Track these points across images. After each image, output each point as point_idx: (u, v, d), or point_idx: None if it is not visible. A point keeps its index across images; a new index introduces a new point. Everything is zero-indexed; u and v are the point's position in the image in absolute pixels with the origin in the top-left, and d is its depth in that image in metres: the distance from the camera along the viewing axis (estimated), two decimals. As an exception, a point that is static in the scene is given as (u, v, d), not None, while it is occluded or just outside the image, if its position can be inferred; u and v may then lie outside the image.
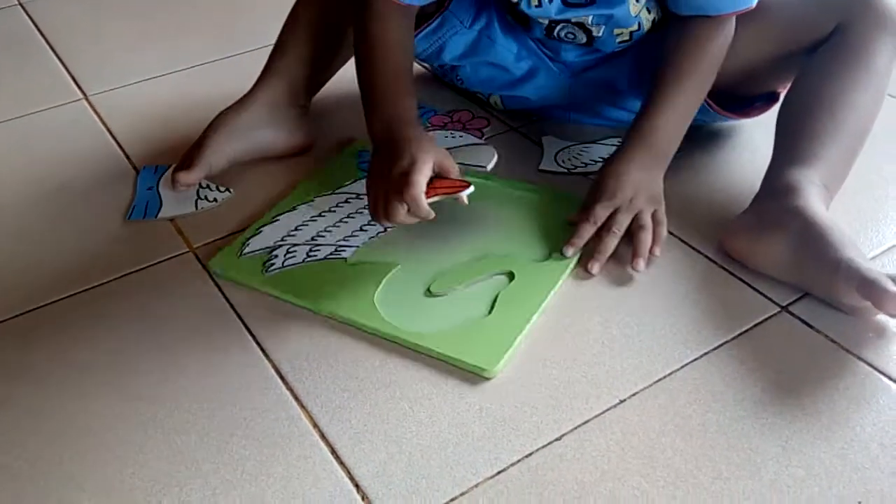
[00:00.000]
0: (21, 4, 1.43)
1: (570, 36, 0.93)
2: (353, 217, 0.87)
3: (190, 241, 0.87)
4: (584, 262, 0.80)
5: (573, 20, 0.90)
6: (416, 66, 1.13)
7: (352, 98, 1.04)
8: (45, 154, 1.03)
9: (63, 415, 0.69)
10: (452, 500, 0.61)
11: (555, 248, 0.81)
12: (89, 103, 1.13)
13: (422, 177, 0.74)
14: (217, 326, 0.77)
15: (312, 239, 0.85)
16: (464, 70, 1.03)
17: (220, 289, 0.81)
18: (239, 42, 1.25)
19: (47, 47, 1.29)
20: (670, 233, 0.84)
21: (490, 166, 0.94)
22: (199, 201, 0.91)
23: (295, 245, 0.84)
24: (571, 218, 0.84)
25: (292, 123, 0.96)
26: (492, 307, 0.76)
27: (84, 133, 1.07)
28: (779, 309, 0.76)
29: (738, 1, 0.82)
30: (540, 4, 0.88)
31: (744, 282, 0.79)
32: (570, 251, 0.80)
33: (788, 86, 0.88)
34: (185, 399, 0.70)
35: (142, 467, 0.64)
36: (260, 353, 0.74)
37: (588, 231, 0.81)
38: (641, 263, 0.79)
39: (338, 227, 0.86)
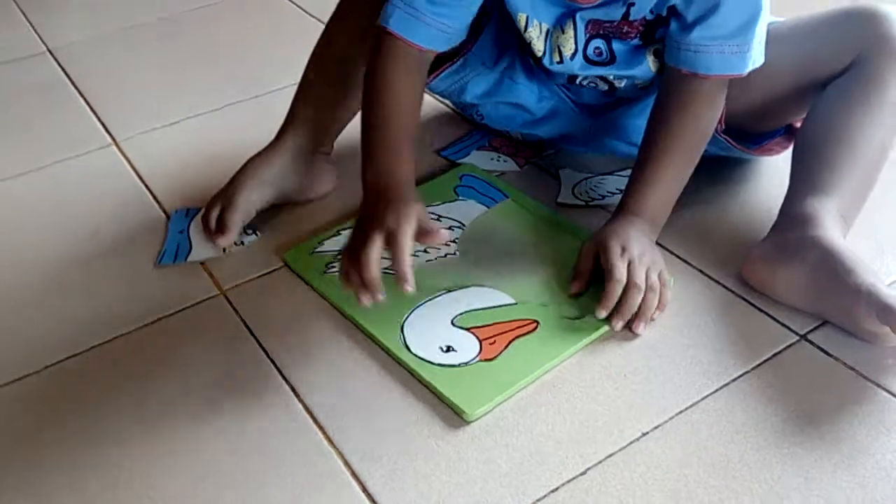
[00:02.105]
0: (51, 52, 1.48)
1: (593, 85, 0.95)
2: None
3: (220, 284, 0.90)
4: (611, 320, 0.79)
5: (594, 75, 0.92)
6: (437, 103, 1.16)
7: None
8: (76, 199, 1.06)
9: (93, 457, 0.72)
10: (482, 537, 0.63)
11: (590, 307, 0.80)
12: (119, 148, 1.17)
13: (405, 239, 0.73)
14: (248, 367, 0.79)
15: None
16: (484, 107, 1.05)
17: (250, 331, 0.83)
18: (262, 83, 1.28)
19: (77, 94, 1.33)
20: (688, 263, 0.86)
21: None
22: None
23: None
24: (575, 287, 0.82)
25: (317, 170, 0.99)
26: (501, 352, 0.77)
27: (114, 178, 1.10)
28: (798, 338, 0.77)
29: (737, 65, 0.81)
30: (562, 61, 0.90)
31: (762, 311, 0.80)
32: (603, 313, 0.78)
33: (803, 117, 0.90)
34: (218, 444, 0.72)
35: (174, 497, 0.67)
36: (291, 393, 0.76)
37: (617, 291, 0.78)
38: (642, 327, 0.78)
39: None
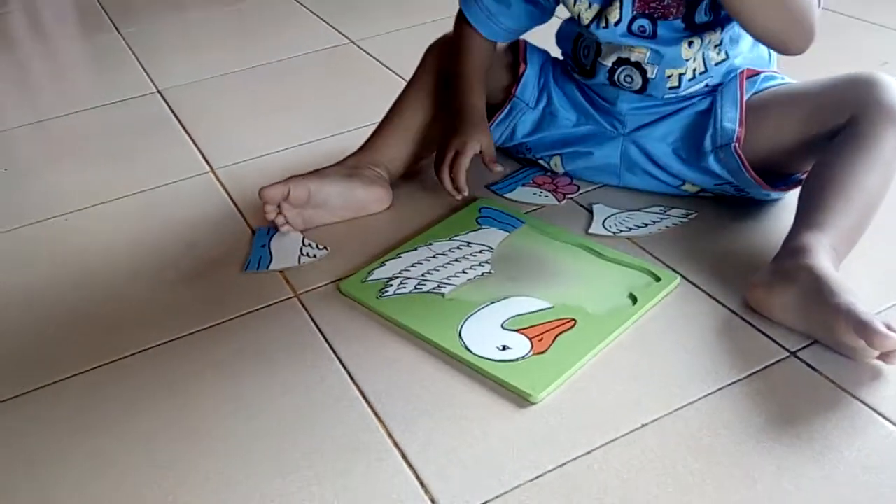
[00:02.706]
0: (159, 92, 1.70)
1: (629, 80, 1.09)
2: (459, 261, 1.06)
3: (295, 289, 1.06)
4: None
5: (632, 59, 1.07)
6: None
7: (423, 175, 1.24)
8: (177, 218, 1.25)
9: (191, 420, 0.88)
10: (497, 496, 0.75)
11: (615, 304, 0.95)
12: (215, 175, 1.36)
13: (464, 158, 1.10)
14: (314, 355, 0.94)
15: (422, 275, 1.03)
16: (532, 143, 1.21)
17: (318, 327, 0.99)
18: (338, 124, 1.46)
19: (180, 128, 1.53)
20: (698, 287, 0.98)
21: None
22: (301, 257, 1.10)
23: (408, 278, 1.03)
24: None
25: (373, 179, 1.17)
26: (550, 346, 0.91)
27: (210, 200, 1.29)
28: (788, 354, 0.88)
29: None
30: (607, 26, 1.05)
31: (759, 330, 0.91)
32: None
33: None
34: (287, 413, 0.87)
35: (254, 463, 0.82)
36: (348, 378, 0.91)
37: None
38: None
39: (445, 268, 1.05)
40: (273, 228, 1.16)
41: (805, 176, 1.02)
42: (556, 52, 1.21)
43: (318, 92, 1.65)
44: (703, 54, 1.06)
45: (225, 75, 1.75)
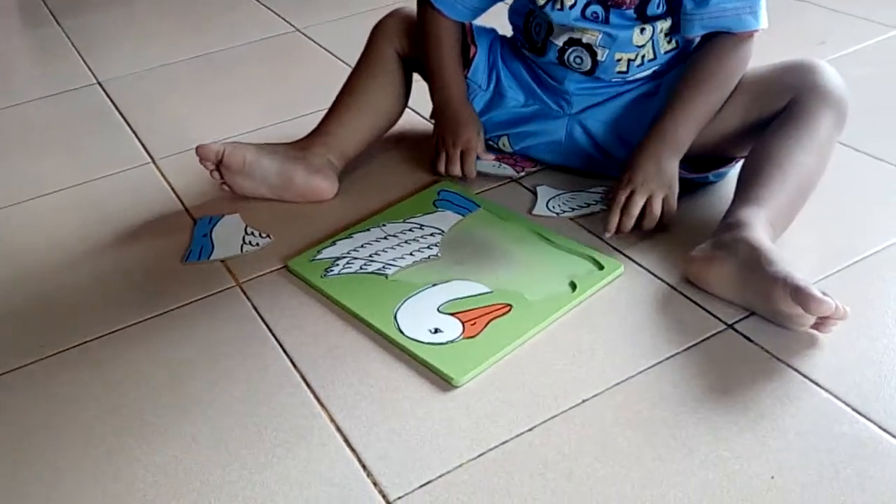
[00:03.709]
0: (99, 83, 1.67)
1: (578, 61, 1.10)
2: (408, 243, 1.05)
3: (237, 278, 1.04)
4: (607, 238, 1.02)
5: (584, 41, 1.07)
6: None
7: (375, 159, 1.23)
8: (118, 210, 1.23)
9: (131, 411, 0.86)
10: (440, 476, 0.76)
11: (554, 291, 0.95)
12: (156, 166, 1.34)
13: (475, 153, 1.15)
14: (257, 344, 0.93)
15: (370, 256, 1.03)
16: (483, 118, 1.20)
17: (259, 314, 0.98)
18: (284, 112, 1.45)
19: (121, 119, 1.51)
20: (638, 264, 0.99)
21: None
22: (244, 245, 1.09)
23: (355, 258, 1.03)
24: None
25: (318, 167, 1.16)
26: (481, 331, 0.91)
27: (151, 191, 1.26)
28: (725, 326, 0.89)
29: (751, 22, 1.00)
30: (562, 8, 1.06)
31: (697, 304, 0.92)
32: (607, 235, 1.02)
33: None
34: (229, 402, 0.86)
35: (195, 454, 0.81)
36: (290, 365, 0.90)
37: (616, 216, 1.02)
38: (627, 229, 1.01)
39: (394, 249, 1.04)
40: (215, 217, 1.15)
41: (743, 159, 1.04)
42: (505, 26, 1.20)
43: (264, 80, 1.63)
44: (655, 42, 1.07)
45: (168, 65, 1.72)
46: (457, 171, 1.15)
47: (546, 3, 1.07)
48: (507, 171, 1.19)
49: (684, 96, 1.04)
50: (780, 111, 1.01)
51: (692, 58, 1.06)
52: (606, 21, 1.05)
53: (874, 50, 1.49)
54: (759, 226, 0.92)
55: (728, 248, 0.91)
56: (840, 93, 0.99)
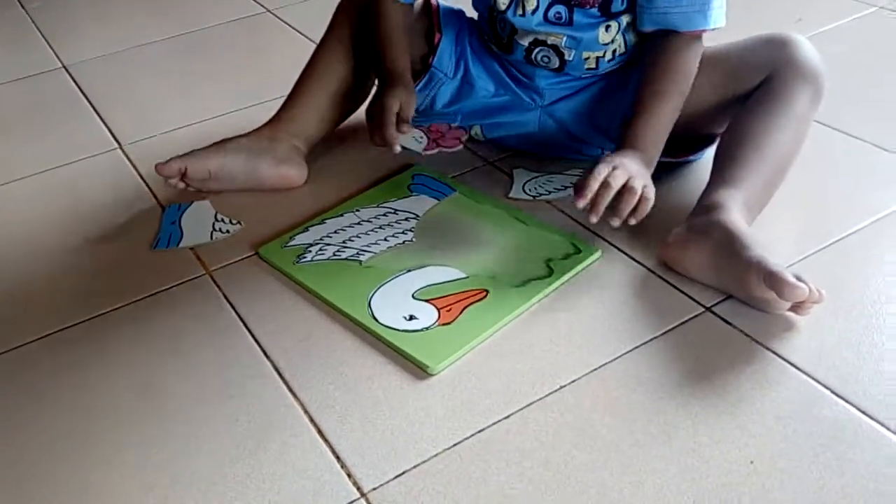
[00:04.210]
0: (65, 67, 1.62)
1: (546, 59, 1.08)
2: (382, 228, 1.03)
3: (207, 266, 1.02)
4: (586, 214, 0.92)
5: (549, 42, 1.05)
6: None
7: (347, 143, 1.21)
8: (84, 196, 1.19)
9: (98, 403, 0.84)
10: (415, 466, 0.74)
11: (530, 276, 0.93)
12: (123, 152, 1.30)
13: (388, 115, 1.02)
14: (228, 334, 0.91)
15: (343, 242, 1.01)
16: (452, 108, 1.18)
17: (230, 303, 0.95)
18: (253, 95, 1.41)
19: (87, 104, 1.47)
20: (616, 247, 0.97)
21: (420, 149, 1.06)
22: (213, 233, 1.06)
23: (328, 244, 1.00)
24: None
25: (285, 157, 1.12)
26: (457, 318, 0.89)
27: (118, 178, 1.23)
28: (703, 309, 0.88)
29: (699, 22, 0.97)
30: (524, 14, 1.03)
31: (675, 287, 0.91)
32: (580, 203, 0.90)
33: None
34: (200, 392, 0.84)
35: (163, 447, 0.79)
36: (262, 355, 0.88)
37: (592, 186, 0.90)
38: (616, 222, 0.91)
39: (368, 234, 1.02)
40: (185, 204, 1.12)
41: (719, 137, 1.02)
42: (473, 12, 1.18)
43: (234, 63, 1.59)
44: (624, 36, 1.05)
45: (134, 48, 1.68)
46: (373, 135, 1.04)
47: (507, 8, 1.05)
48: (417, 146, 1.07)
49: (645, 105, 0.99)
50: (755, 87, 0.99)
51: (647, 60, 1.02)
52: (570, 22, 1.03)
53: (852, 27, 1.48)
54: (734, 208, 0.91)
55: (703, 231, 0.90)
56: (816, 67, 0.97)
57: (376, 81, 1.12)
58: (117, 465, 0.77)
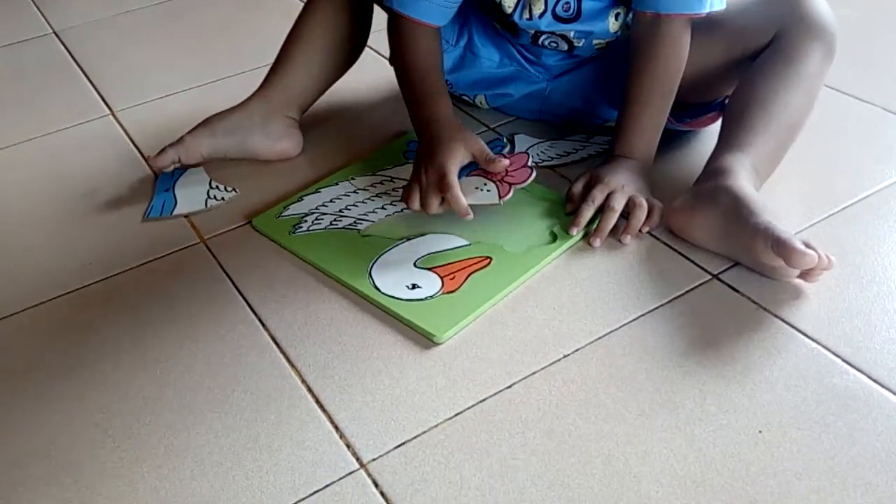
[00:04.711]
0: (56, 33, 1.59)
1: (553, 44, 1.04)
2: (379, 196, 1.00)
3: (201, 234, 0.99)
4: (587, 238, 0.91)
5: (557, 32, 1.01)
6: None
7: (340, 112, 1.18)
8: (75, 163, 1.17)
9: (92, 374, 0.82)
10: (416, 436, 0.72)
11: (534, 242, 0.91)
12: (115, 118, 1.27)
13: (453, 177, 0.89)
14: (223, 303, 0.89)
15: (339, 211, 0.98)
16: (454, 80, 1.15)
17: (226, 272, 0.93)
18: (249, 59, 1.38)
19: (78, 70, 1.43)
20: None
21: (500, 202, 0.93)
22: (208, 200, 1.04)
23: (324, 214, 0.98)
24: (569, 208, 0.94)
25: (280, 132, 1.08)
26: (461, 286, 0.86)
27: (110, 145, 1.20)
28: (710, 277, 0.86)
29: (694, 5, 0.91)
30: (531, 18, 0.99)
31: (681, 254, 0.89)
32: (574, 230, 0.90)
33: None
34: (194, 362, 0.82)
35: (157, 416, 0.77)
36: (259, 324, 0.86)
37: (589, 211, 0.91)
38: (628, 239, 0.90)
39: (365, 203, 0.99)
40: (178, 171, 1.09)
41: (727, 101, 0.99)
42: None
43: (227, 26, 1.55)
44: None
45: (127, 13, 1.64)
46: (433, 205, 0.90)
47: (514, 11, 1.01)
48: (491, 197, 0.93)
49: (634, 106, 0.95)
50: (765, 46, 0.95)
51: (634, 48, 0.96)
52: (578, 14, 0.99)
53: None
54: (742, 173, 0.89)
55: (710, 197, 0.88)
56: (829, 24, 0.93)
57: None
58: (110, 434, 0.75)
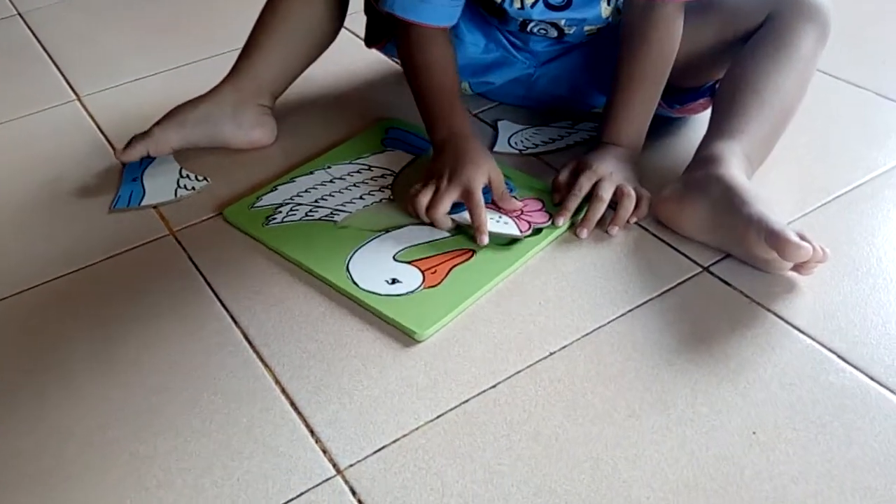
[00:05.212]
0: (20, 15, 1.53)
1: (543, 31, 1.00)
2: (357, 186, 0.96)
3: (171, 226, 0.95)
4: (574, 228, 0.88)
5: (548, 21, 0.97)
6: (392, 66, 1.22)
7: (315, 98, 1.13)
8: (40, 151, 1.11)
9: (54, 375, 0.77)
10: (395, 440, 0.69)
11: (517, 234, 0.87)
12: (82, 104, 1.22)
13: (480, 195, 0.86)
14: (193, 299, 0.85)
15: (315, 201, 0.94)
16: None
17: (196, 266, 0.89)
18: (221, 43, 1.33)
19: (44, 53, 1.38)
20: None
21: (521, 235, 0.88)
22: (178, 190, 0.99)
23: (299, 204, 0.93)
24: (556, 198, 0.91)
25: (252, 121, 1.04)
26: (443, 280, 0.83)
27: (76, 131, 1.15)
28: (701, 269, 0.83)
29: None
30: (522, 7, 0.95)
31: (671, 246, 0.86)
32: (560, 220, 0.87)
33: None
34: (162, 362, 0.78)
35: (123, 422, 0.73)
36: (230, 321, 0.82)
37: (575, 201, 0.88)
38: (616, 230, 0.87)
39: (341, 193, 0.95)
40: (147, 159, 1.04)
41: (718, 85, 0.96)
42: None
43: (197, 9, 1.50)
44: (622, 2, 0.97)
45: (94, -6, 1.58)
46: (445, 205, 0.87)
47: (504, 1, 0.96)
48: (511, 228, 0.88)
49: (624, 92, 0.92)
50: (757, 27, 0.92)
51: (624, 33, 0.93)
52: (570, 2, 0.94)
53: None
54: (734, 161, 0.86)
55: (700, 186, 0.84)
56: (822, 5, 0.90)
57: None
58: (67, 442, 0.71)
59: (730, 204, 0.80)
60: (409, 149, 1.02)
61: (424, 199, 0.88)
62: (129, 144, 1.00)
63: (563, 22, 0.97)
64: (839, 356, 0.73)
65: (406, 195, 0.91)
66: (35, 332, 0.83)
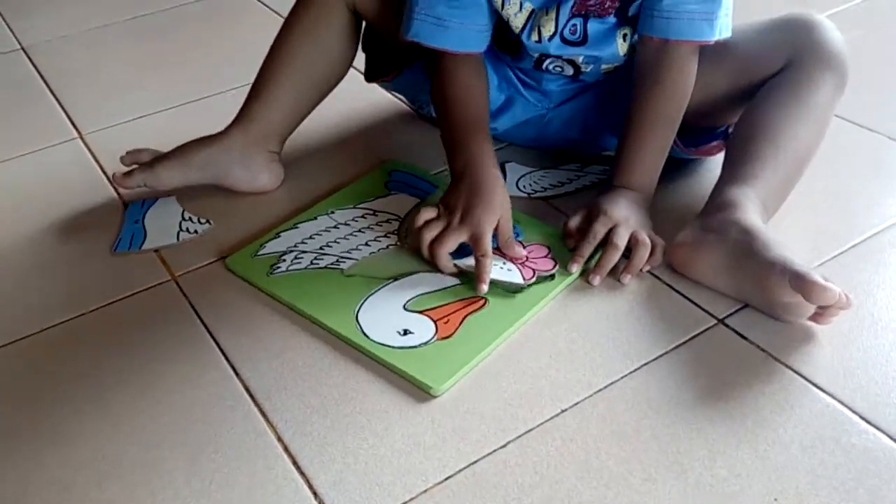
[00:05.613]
0: (24, 49, 1.52)
1: (558, 69, 0.99)
2: (363, 232, 0.94)
3: (172, 271, 0.93)
4: (585, 275, 0.86)
5: (566, 57, 0.96)
6: (401, 106, 1.20)
7: (317, 137, 1.12)
8: (39, 191, 1.10)
9: (50, 427, 0.75)
10: (402, 504, 0.67)
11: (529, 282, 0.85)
12: (84, 142, 1.21)
13: (489, 243, 0.84)
14: (193, 348, 0.82)
15: (320, 248, 0.92)
16: None
17: (197, 313, 0.87)
18: (227, 80, 1.32)
19: (46, 89, 1.36)
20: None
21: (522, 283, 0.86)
22: (180, 233, 0.97)
23: (303, 252, 0.91)
24: (570, 243, 0.89)
25: (260, 166, 1.02)
26: (457, 330, 0.80)
27: (78, 170, 1.14)
28: (715, 321, 0.81)
29: (706, 31, 0.87)
30: (540, 40, 0.93)
31: (685, 297, 0.84)
32: (574, 267, 0.86)
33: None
34: (161, 415, 0.76)
35: (118, 479, 0.70)
36: (232, 372, 0.79)
37: (590, 247, 0.86)
38: (628, 278, 0.85)
39: (347, 239, 0.93)
40: (149, 201, 1.02)
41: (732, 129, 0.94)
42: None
43: (202, 43, 1.49)
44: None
45: (98, 29, 1.57)
46: (450, 245, 0.85)
47: (522, 32, 0.93)
48: (514, 276, 0.86)
49: (637, 135, 0.90)
50: (774, 74, 0.90)
51: (638, 74, 0.92)
52: (585, 38, 0.92)
53: (861, 9, 1.40)
54: (750, 206, 0.84)
55: (717, 231, 0.83)
56: (841, 53, 0.89)
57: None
58: (62, 498, 0.69)
59: (749, 248, 0.78)
60: (413, 192, 1.00)
61: (430, 234, 0.86)
62: (129, 172, 0.99)
63: (580, 59, 0.96)
64: (861, 416, 0.70)
65: (411, 220, 0.89)
66: (31, 382, 0.81)
